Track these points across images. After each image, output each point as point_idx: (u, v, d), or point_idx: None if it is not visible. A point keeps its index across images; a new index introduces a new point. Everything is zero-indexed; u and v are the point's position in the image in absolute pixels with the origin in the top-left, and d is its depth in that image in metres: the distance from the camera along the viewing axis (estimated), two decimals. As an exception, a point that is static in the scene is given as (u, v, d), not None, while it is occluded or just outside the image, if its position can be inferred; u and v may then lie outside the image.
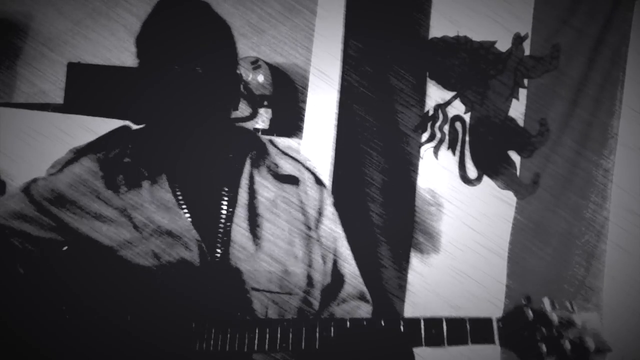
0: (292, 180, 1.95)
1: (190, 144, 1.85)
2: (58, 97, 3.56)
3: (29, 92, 3.69)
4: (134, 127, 1.97)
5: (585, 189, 2.89)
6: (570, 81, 2.93)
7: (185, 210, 1.85)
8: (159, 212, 1.82)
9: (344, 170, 3.18)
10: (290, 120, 3.33)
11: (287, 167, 1.97)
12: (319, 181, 2.00)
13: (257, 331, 1.68)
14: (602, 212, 2.86)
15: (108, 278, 1.77)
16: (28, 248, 1.83)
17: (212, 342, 1.69)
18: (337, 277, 1.98)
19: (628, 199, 2.83)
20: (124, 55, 3.46)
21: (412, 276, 3.10)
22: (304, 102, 3.25)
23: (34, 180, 1.91)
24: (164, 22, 1.87)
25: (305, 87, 3.27)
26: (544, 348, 1.59)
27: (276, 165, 1.95)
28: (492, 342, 1.63)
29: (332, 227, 1.99)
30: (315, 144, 3.21)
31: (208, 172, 1.89)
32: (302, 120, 3.24)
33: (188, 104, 1.81)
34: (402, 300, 3.09)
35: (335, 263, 1.98)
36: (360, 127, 3.17)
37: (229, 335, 1.69)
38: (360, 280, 2.03)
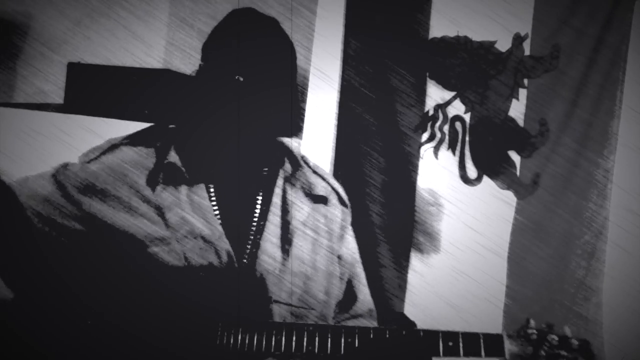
0: (322, 200, 2.00)
1: (233, 154, 1.88)
2: (58, 97, 3.56)
3: (29, 92, 3.69)
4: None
5: (585, 189, 2.89)
6: (570, 81, 2.93)
7: (219, 218, 1.87)
8: (194, 216, 1.85)
9: (344, 170, 3.18)
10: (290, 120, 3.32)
11: (318, 187, 2.01)
12: (342, 201, 2.05)
13: (283, 334, 1.74)
14: (602, 212, 2.86)
15: (132, 270, 1.78)
16: (48, 231, 1.83)
17: (238, 341, 1.72)
18: (351, 295, 2.03)
19: (628, 199, 2.84)
20: (124, 55, 3.46)
21: (412, 276, 3.10)
22: (304, 102, 3.25)
23: (65, 166, 1.92)
24: (233, 33, 1.88)
25: (305, 87, 3.27)
26: None
27: (309, 183, 1.99)
28: (502, 355, 1.76)
29: (351, 247, 2.04)
30: (315, 144, 3.21)
31: (244, 183, 1.92)
32: (302, 120, 3.24)
33: (240, 115, 1.84)
34: (402, 300, 3.09)
35: (350, 281, 2.03)
36: (360, 127, 3.17)
37: (256, 336, 1.72)
38: (371, 300, 2.08)
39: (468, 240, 2.97)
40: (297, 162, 2.01)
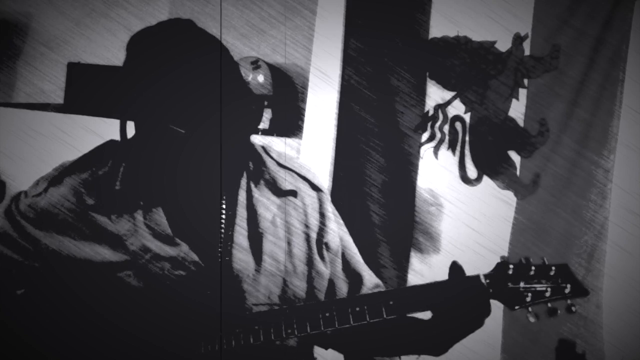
0: (291, 193, 1.92)
1: (187, 163, 1.79)
2: (58, 97, 3.56)
3: (29, 92, 3.69)
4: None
5: (585, 189, 2.89)
6: (570, 81, 2.93)
7: (181, 236, 1.81)
8: (154, 242, 1.80)
9: (344, 170, 3.18)
10: (290, 120, 3.33)
11: (285, 179, 1.93)
12: (314, 186, 1.97)
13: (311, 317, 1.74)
14: (602, 212, 2.86)
15: (102, 294, 1.76)
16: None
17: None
18: (354, 274, 1.98)
19: (628, 199, 2.83)
20: (124, 55, 3.45)
21: (412, 276, 3.10)
22: (304, 102, 3.25)
23: (17, 200, 1.84)
24: (157, 38, 1.81)
25: (305, 87, 3.27)
26: (528, 296, 1.77)
27: (274, 179, 1.91)
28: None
29: (336, 227, 1.98)
30: (315, 144, 3.21)
31: (204, 192, 1.84)
32: (302, 120, 3.24)
33: (191, 120, 1.75)
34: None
35: (348, 262, 1.98)
36: (360, 127, 3.17)
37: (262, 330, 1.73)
38: (372, 272, 2.03)
39: (468, 240, 2.97)
40: (259, 156, 1.93)
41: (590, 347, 2.83)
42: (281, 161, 1.95)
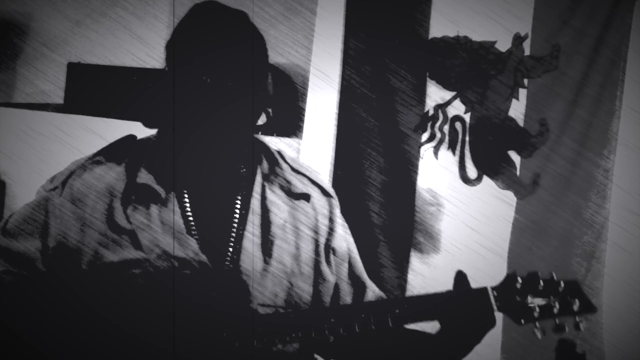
0: (304, 197, 1.93)
1: (205, 160, 1.82)
2: (58, 97, 3.56)
3: (29, 92, 3.69)
4: (140, 136, 1.93)
5: (585, 189, 2.89)
6: (570, 81, 2.93)
7: (194, 232, 1.83)
8: (167, 235, 1.80)
9: (343, 170, 3.18)
10: (290, 120, 3.33)
11: (299, 184, 1.94)
12: (325, 192, 1.98)
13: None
14: (602, 212, 2.86)
15: (108, 287, 1.76)
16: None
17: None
18: (358, 283, 1.99)
19: (628, 199, 2.84)
20: (124, 55, 3.46)
21: (412, 276, 3.10)
22: (304, 102, 3.25)
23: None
24: (198, 30, 1.80)
25: (305, 87, 3.27)
26: (536, 311, 1.74)
27: (289, 182, 1.92)
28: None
29: (344, 237, 1.99)
30: (315, 144, 3.21)
31: (220, 189, 1.86)
32: (302, 120, 3.24)
33: (213, 118, 1.77)
34: (402, 300, 3.08)
35: (353, 270, 1.99)
36: (360, 127, 3.17)
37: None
38: (374, 285, 2.03)
39: (468, 240, 2.97)
40: (274, 159, 1.95)
41: (590, 347, 2.83)
42: (295, 166, 1.97)
